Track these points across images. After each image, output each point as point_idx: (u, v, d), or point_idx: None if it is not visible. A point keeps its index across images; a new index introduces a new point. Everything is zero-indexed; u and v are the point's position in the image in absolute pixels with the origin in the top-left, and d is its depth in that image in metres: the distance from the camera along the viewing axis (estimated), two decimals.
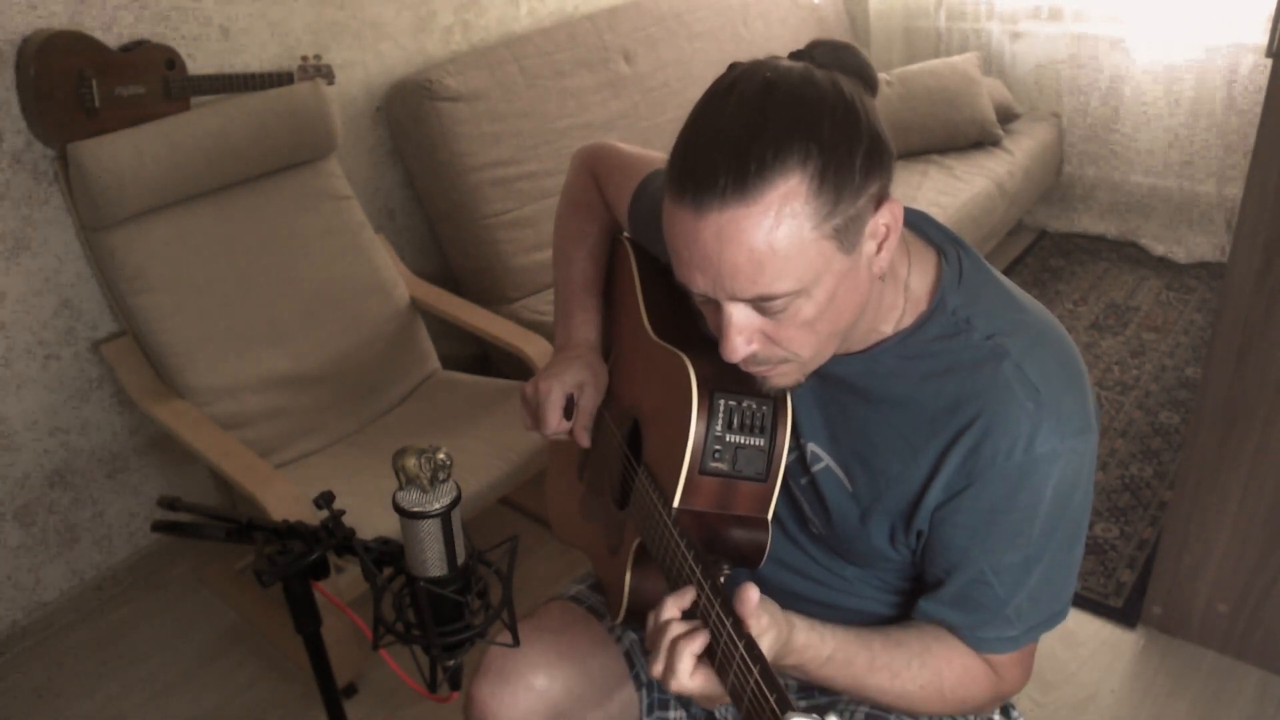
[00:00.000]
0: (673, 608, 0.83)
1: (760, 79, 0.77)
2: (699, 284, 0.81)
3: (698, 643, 0.80)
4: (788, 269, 0.77)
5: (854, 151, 0.77)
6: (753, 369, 0.87)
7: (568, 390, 1.16)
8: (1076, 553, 0.94)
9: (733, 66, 0.81)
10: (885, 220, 0.82)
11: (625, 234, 1.23)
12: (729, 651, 0.76)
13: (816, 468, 0.97)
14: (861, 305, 0.85)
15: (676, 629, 0.82)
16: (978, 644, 0.94)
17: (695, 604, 0.83)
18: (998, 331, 0.87)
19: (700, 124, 0.79)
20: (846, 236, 0.79)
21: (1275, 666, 1.80)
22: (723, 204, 0.75)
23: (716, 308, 0.83)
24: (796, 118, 0.75)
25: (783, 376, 0.88)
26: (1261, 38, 2.87)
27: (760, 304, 0.80)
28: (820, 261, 0.78)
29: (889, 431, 0.91)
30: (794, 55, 0.83)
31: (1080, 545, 0.94)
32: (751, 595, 0.78)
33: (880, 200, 0.80)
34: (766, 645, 0.80)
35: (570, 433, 1.17)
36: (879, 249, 0.83)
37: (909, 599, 1.02)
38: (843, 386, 0.93)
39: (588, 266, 1.25)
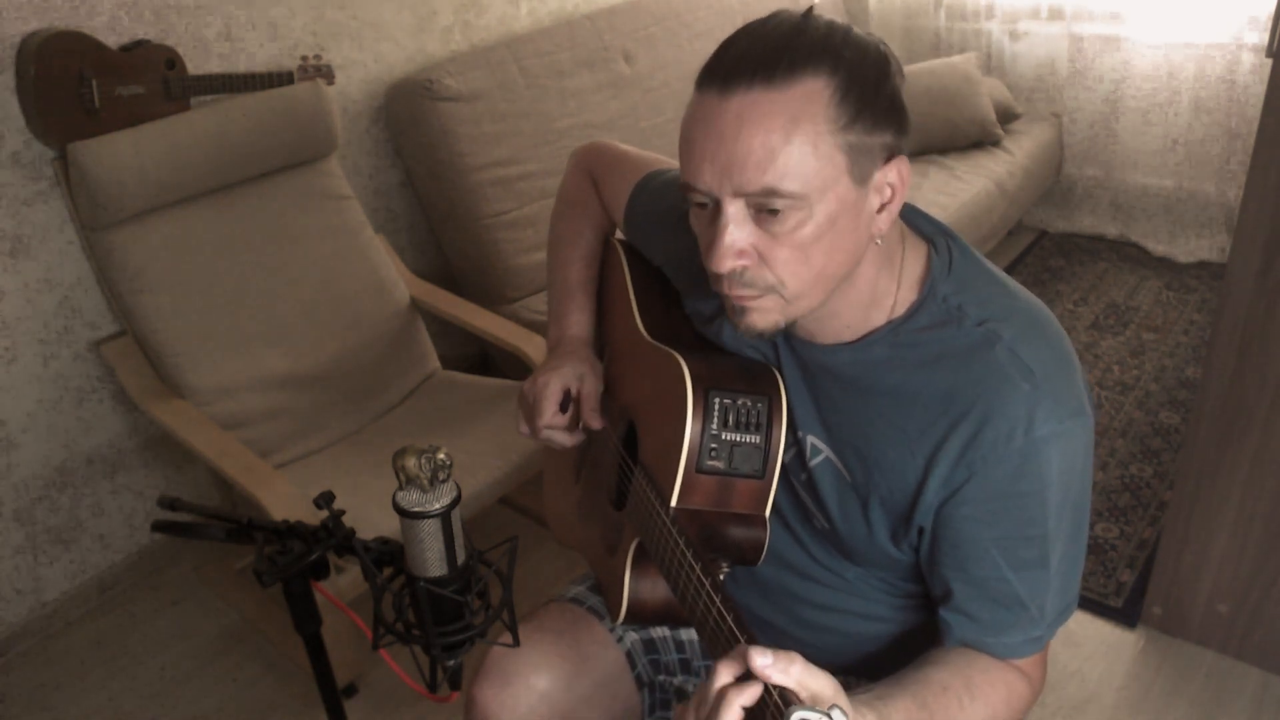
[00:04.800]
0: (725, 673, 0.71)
1: (801, 13, 0.82)
2: (705, 178, 0.81)
3: (747, 694, 0.69)
4: (798, 168, 0.78)
5: (880, 86, 0.80)
6: (736, 292, 0.85)
7: (566, 383, 1.16)
8: (1084, 540, 0.94)
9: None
10: (892, 179, 0.83)
11: (617, 235, 1.23)
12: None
13: (815, 460, 0.96)
14: (855, 256, 0.85)
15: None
16: (1005, 651, 0.91)
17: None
18: (989, 317, 0.87)
19: (738, 34, 0.82)
20: (858, 162, 0.80)
21: (1275, 666, 1.80)
22: (749, 86, 0.78)
23: (713, 217, 0.82)
24: (832, 39, 0.80)
25: (763, 314, 0.86)
26: (1261, 37, 2.87)
27: (763, 203, 0.79)
28: (830, 172, 0.79)
29: (882, 421, 0.91)
30: None
31: (1086, 531, 0.93)
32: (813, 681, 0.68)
33: (891, 155, 0.82)
34: None
35: (580, 421, 1.17)
36: (881, 208, 0.84)
37: (911, 602, 1.02)
38: (835, 377, 0.93)
39: (581, 266, 1.25)
